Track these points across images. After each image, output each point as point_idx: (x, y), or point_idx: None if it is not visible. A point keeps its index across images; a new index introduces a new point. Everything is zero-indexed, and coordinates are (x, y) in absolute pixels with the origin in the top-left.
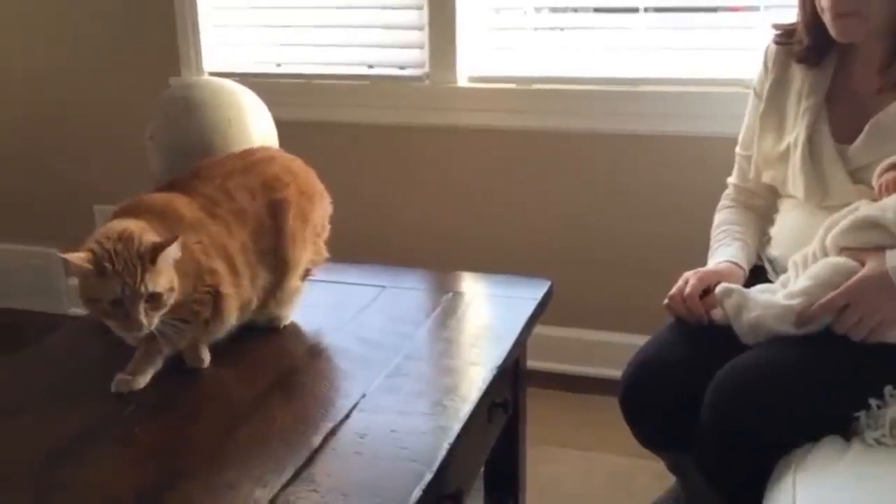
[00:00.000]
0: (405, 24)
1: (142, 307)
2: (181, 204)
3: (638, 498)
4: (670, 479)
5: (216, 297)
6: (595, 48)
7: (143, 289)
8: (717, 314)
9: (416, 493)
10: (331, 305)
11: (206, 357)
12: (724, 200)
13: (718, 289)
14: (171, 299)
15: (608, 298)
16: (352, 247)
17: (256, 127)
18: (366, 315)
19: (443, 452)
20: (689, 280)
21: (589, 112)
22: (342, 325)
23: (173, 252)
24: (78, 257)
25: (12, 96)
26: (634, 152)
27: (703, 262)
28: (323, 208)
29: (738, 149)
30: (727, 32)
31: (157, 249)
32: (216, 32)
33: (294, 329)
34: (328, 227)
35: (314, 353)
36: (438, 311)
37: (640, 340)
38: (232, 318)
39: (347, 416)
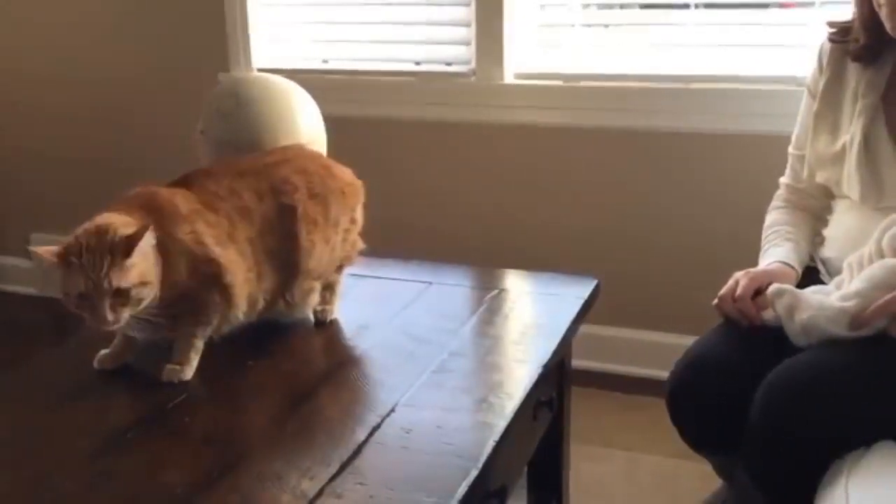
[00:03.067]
0: (453, 20)
1: (107, 302)
2: (180, 198)
3: (682, 500)
4: (716, 482)
5: (220, 284)
6: (644, 45)
7: (106, 284)
8: (768, 315)
9: (462, 488)
10: (377, 301)
11: (188, 372)
12: (776, 201)
13: (770, 289)
14: (143, 294)
15: (655, 298)
16: (397, 242)
17: (305, 122)
18: (411, 311)
19: (488, 449)
20: (739, 280)
21: (636, 109)
22: (388, 320)
23: (147, 244)
24: (45, 251)
25: (68, 96)
26: (683, 150)
27: (754, 263)
28: (345, 205)
29: (790, 148)
30: (780, 29)
31: (129, 242)
32: (265, 29)
33: (340, 324)
34: (358, 220)
35: (360, 348)
36: (484, 307)
37: (687, 341)
38: (242, 303)
39: (393, 411)
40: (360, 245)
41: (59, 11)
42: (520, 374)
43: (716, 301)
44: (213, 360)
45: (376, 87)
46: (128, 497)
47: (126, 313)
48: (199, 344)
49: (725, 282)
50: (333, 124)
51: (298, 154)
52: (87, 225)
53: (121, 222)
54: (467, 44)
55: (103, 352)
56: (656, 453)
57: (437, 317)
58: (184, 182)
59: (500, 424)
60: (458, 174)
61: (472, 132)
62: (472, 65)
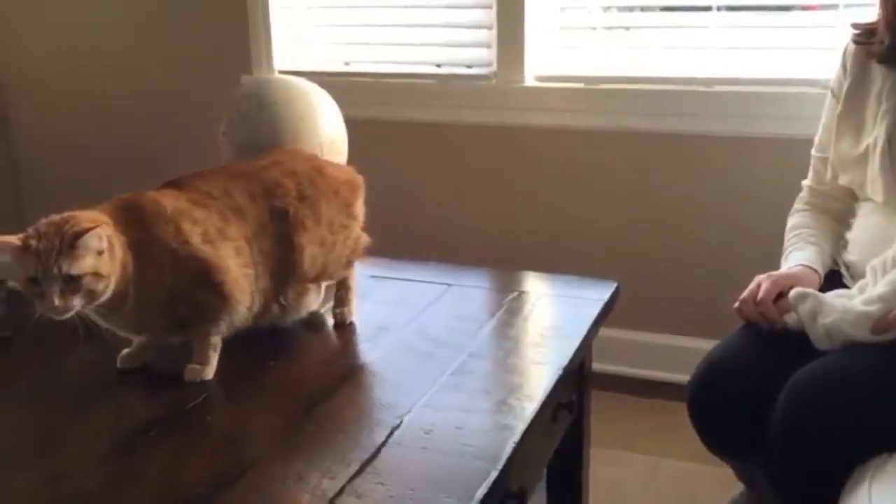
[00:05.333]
0: (473, 23)
1: (56, 288)
2: (168, 198)
3: None
4: (736, 487)
5: (212, 283)
6: (666, 47)
7: (55, 270)
8: (790, 319)
9: (482, 490)
10: (396, 302)
11: (209, 372)
12: (799, 204)
13: (793, 293)
14: (95, 286)
15: (676, 301)
16: (417, 244)
17: (326, 124)
18: (431, 312)
19: (508, 451)
20: (761, 283)
21: (658, 112)
22: (407, 322)
23: (95, 237)
24: (8, 238)
25: (93, 98)
26: (705, 154)
27: (776, 266)
28: (339, 204)
29: (813, 151)
30: (804, 32)
31: (81, 231)
32: (287, 31)
33: (360, 325)
34: (358, 215)
35: (379, 350)
36: (503, 310)
37: (707, 345)
38: (243, 298)
39: (412, 412)
40: (366, 240)
41: (85, 12)
42: (539, 376)
43: (737, 304)
44: (234, 360)
45: (397, 90)
46: (149, 495)
47: (76, 302)
48: (217, 342)
49: (747, 285)
50: (354, 126)
51: (290, 157)
52: (53, 216)
53: (85, 217)
54: (488, 46)
55: (125, 351)
56: (675, 457)
57: (456, 318)
58: (175, 183)
59: (520, 426)
60: (478, 176)
61: (492, 134)
62: (493, 67)
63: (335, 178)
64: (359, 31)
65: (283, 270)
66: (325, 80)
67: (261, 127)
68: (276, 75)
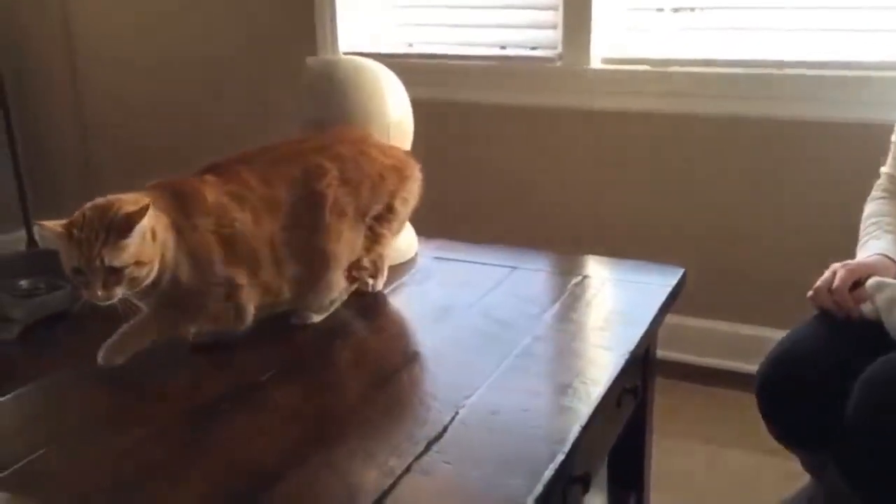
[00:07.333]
0: (539, 3)
1: (100, 279)
2: (209, 187)
3: (764, 496)
4: (799, 480)
5: (231, 290)
6: (735, 28)
7: (98, 262)
8: (866, 308)
9: (549, 471)
10: (460, 284)
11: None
12: (876, 191)
13: (870, 282)
14: (138, 274)
15: (745, 289)
16: (481, 227)
17: (394, 104)
18: (495, 295)
19: (574, 434)
20: (837, 272)
21: (727, 95)
22: (472, 303)
23: (145, 224)
24: (52, 224)
25: (162, 81)
26: (776, 138)
27: (850, 255)
28: (382, 190)
29: (893, 136)
30: (881, 13)
31: (127, 221)
32: (351, 13)
33: (424, 305)
34: (406, 197)
35: (445, 330)
36: (567, 293)
37: (774, 334)
38: (250, 309)
39: (478, 393)
40: (403, 221)
41: (156, 2)
42: (604, 361)
43: (811, 293)
44: (300, 338)
45: (461, 72)
46: (220, 467)
47: (119, 291)
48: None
49: (820, 274)
50: (417, 107)
51: (337, 139)
52: (98, 200)
53: (130, 200)
54: (553, 28)
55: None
56: (739, 448)
57: (520, 301)
58: (217, 168)
59: (587, 410)
60: (541, 160)
61: (556, 117)
62: (559, 49)
63: (380, 163)
64: (422, 12)
65: (316, 258)
66: (389, 61)
67: (331, 107)
68: (345, 56)
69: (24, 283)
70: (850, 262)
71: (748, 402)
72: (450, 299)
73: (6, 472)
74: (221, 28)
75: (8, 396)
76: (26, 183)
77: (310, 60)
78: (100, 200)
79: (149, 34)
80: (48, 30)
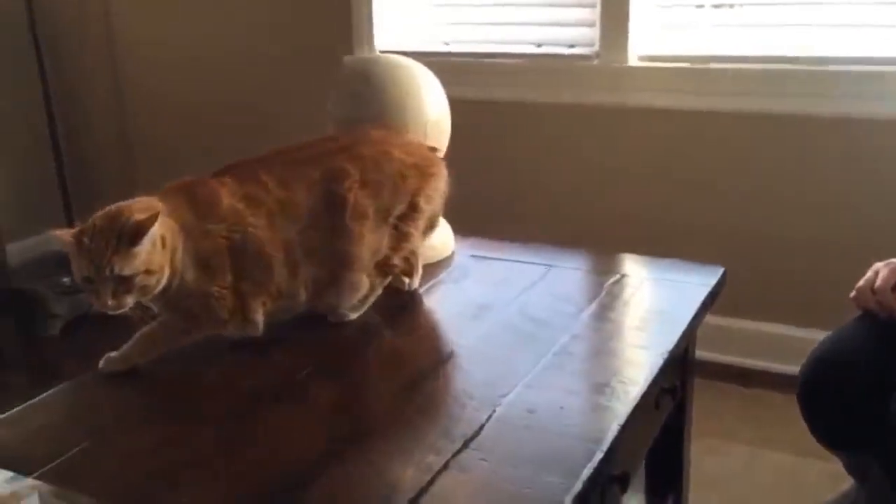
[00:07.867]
0: (576, 1)
1: (109, 289)
2: (225, 191)
3: (805, 498)
4: (842, 481)
5: (238, 298)
6: (776, 25)
7: (108, 271)
8: None
9: (587, 470)
10: (498, 282)
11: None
12: None
13: None
14: (148, 282)
15: (786, 289)
16: (517, 225)
17: (431, 102)
18: (532, 293)
19: (613, 433)
20: (879, 271)
21: (768, 93)
22: (509, 302)
23: (155, 231)
24: (62, 232)
25: (201, 82)
26: (817, 136)
27: (893, 254)
28: (404, 189)
29: None
30: None
31: (137, 230)
32: (387, 12)
33: (461, 303)
34: (431, 195)
35: (481, 328)
36: (605, 292)
37: (815, 335)
38: (258, 317)
39: (515, 391)
40: (431, 218)
41: (195, 1)
42: (642, 360)
43: (853, 293)
44: (338, 335)
45: (497, 70)
46: (258, 460)
47: (129, 299)
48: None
49: (862, 274)
50: (453, 106)
51: (360, 140)
52: (108, 208)
53: (140, 207)
54: (591, 25)
55: (111, 354)
56: (778, 450)
57: (557, 300)
58: (236, 169)
59: (625, 409)
60: (579, 158)
61: (594, 116)
62: (596, 47)
63: (402, 162)
64: (458, 10)
65: (337, 260)
66: (425, 59)
67: (368, 104)
68: (382, 54)
69: (66, 279)
70: (893, 260)
71: (789, 404)
72: (486, 298)
73: (50, 466)
74: (258, 27)
75: (51, 392)
76: (69, 182)
77: (346, 59)
78: (110, 208)
79: (187, 33)
80: (94, 29)
